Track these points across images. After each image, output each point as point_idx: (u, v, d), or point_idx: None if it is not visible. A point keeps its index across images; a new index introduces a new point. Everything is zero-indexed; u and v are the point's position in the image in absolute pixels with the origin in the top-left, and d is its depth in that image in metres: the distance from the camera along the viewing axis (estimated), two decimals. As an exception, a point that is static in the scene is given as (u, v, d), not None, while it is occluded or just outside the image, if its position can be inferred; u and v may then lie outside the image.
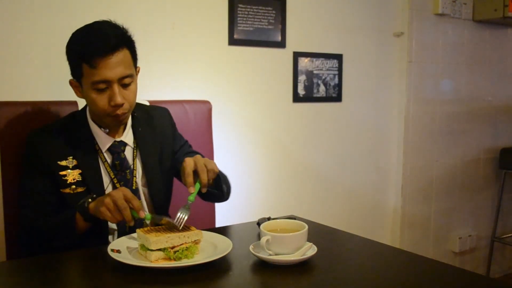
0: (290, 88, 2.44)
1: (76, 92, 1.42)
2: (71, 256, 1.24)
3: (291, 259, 1.12)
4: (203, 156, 1.48)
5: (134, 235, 1.23)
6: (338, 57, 2.58)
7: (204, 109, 1.95)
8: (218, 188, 1.43)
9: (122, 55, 1.33)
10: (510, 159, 3.16)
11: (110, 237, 1.42)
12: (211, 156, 1.92)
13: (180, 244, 1.15)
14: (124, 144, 1.47)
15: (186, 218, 1.20)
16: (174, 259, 1.13)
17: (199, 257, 1.15)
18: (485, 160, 3.25)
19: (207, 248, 1.20)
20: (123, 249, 1.19)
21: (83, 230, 1.31)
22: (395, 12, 2.79)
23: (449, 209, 3.10)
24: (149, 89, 1.96)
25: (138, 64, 1.44)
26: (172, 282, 1.05)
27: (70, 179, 1.38)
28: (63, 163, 1.39)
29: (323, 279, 1.08)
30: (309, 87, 2.49)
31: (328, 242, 1.35)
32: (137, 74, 1.44)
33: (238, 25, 2.23)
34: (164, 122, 1.61)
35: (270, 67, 2.37)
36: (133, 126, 1.51)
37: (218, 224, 1.95)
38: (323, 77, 2.54)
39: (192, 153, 1.58)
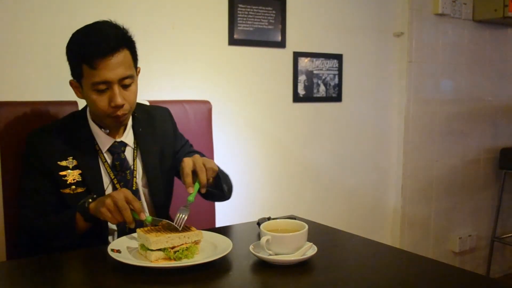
0: (290, 88, 2.44)
1: (76, 93, 1.42)
2: (71, 256, 1.24)
3: (291, 259, 1.12)
4: (204, 156, 1.48)
5: (134, 235, 1.23)
6: (338, 57, 2.58)
7: (204, 109, 1.95)
8: (219, 188, 1.43)
9: (123, 56, 1.33)
10: (510, 159, 3.16)
11: (110, 238, 1.42)
12: (211, 156, 1.92)
13: (180, 245, 1.15)
14: (124, 145, 1.47)
15: (185, 218, 1.20)
16: (174, 259, 1.13)
17: (199, 257, 1.15)
18: (485, 160, 3.25)
19: (207, 248, 1.20)
20: (123, 249, 1.19)
21: (83, 230, 1.31)
22: (395, 12, 2.79)
23: (449, 209, 3.10)
24: (149, 89, 1.96)
25: (138, 64, 1.44)
26: (172, 282, 1.05)
27: (70, 179, 1.38)
28: (63, 163, 1.38)
29: (323, 279, 1.08)
30: (309, 87, 2.49)
31: (328, 242, 1.34)
32: (137, 75, 1.43)
33: (238, 25, 2.23)
34: (165, 122, 1.60)
35: (270, 67, 2.37)
36: (133, 127, 1.50)
37: (218, 224, 1.95)
38: (323, 77, 2.54)
39: (193, 152, 1.58)
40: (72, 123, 1.45)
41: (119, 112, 1.36)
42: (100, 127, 1.44)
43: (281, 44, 2.38)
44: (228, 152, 2.26)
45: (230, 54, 2.24)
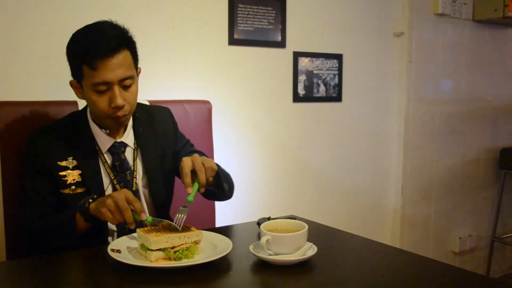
0: (290, 88, 2.44)
1: (76, 93, 1.42)
2: (71, 256, 1.24)
3: (291, 259, 1.12)
4: (204, 155, 1.48)
5: (134, 235, 1.23)
6: (338, 57, 2.58)
7: (204, 109, 1.95)
8: (219, 187, 1.42)
9: (123, 56, 1.33)
10: (510, 159, 3.16)
11: (109, 238, 1.42)
12: (211, 156, 1.92)
13: (180, 245, 1.15)
14: (125, 145, 1.46)
15: (184, 218, 1.20)
16: (174, 259, 1.13)
17: (199, 257, 1.15)
18: (485, 160, 3.25)
19: (207, 248, 1.20)
20: (123, 249, 1.19)
21: (83, 230, 1.31)
22: (395, 12, 2.79)
23: (449, 209, 3.10)
24: (149, 89, 1.96)
25: (139, 64, 1.44)
26: (172, 282, 1.05)
27: (70, 179, 1.38)
28: (63, 163, 1.38)
29: (323, 279, 1.08)
30: (309, 87, 2.49)
31: (328, 242, 1.34)
32: (138, 75, 1.43)
33: (238, 25, 2.23)
34: (165, 122, 1.60)
35: (270, 67, 2.37)
36: (134, 127, 1.50)
37: (218, 224, 1.95)
38: (323, 77, 2.54)
39: (194, 152, 1.57)
40: (72, 123, 1.45)
41: (119, 113, 1.35)
42: (100, 127, 1.44)
43: (281, 44, 2.38)
44: (228, 152, 2.26)
45: (230, 54, 2.24)
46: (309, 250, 1.15)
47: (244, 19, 2.24)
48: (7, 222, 1.56)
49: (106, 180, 1.42)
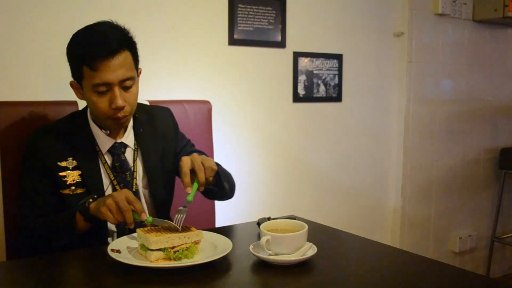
0: (290, 88, 2.44)
1: (76, 94, 1.41)
2: (71, 256, 1.24)
3: (291, 259, 1.12)
4: (204, 154, 1.47)
5: (134, 235, 1.23)
6: (338, 57, 2.58)
7: (204, 109, 1.95)
8: (219, 186, 1.42)
9: (123, 57, 1.32)
10: (510, 159, 3.16)
11: (109, 239, 1.42)
12: (211, 156, 1.92)
13: (180, 245, 1.15)
14: (125, 146, 1.46)
15: (183, 218, 1.20)
16: (174, 259, 1.13)
17: (199, 257, 1.15)
18: (485, 160, 3.25)
19: (207, 248, 1.20)
20: (123, 249, 1.19)
21: (83, 230, 1.30)
22: (395, 12, 2.79)
23: (449, 209, 3.10)
24: (149, 89, 1.96)
25: (139, 65, 1.43)
26: (172, 282, 1.05)
27: (69, 180, 1.38)
28: (63, 164, 1.38)
29: (323, 279, 1.08)
30: (309, 87, 2.49)
31: (328, 242, 1.34)
32: (138, 76, 1.43)
33: (238, 25, 2.23)
34: (166, 122, 1.60)
35: (270, 67, 2.37)
36: (134, 127, 1.50)
37: (218, 224, 1.95)
38: (323, 77, 2.54)
39: (195, 152, 1.57)
40: (72, 123, 1.45)
41: (120, 114, 1.35)
42: (101, 127, 1.43)
43: (281, 44, 2.38)
44: (228, 152, 2.26)
45: (230, 54, 2.24)
46: (309, 250, 1.15)
47: (244, 19, 2.24)
48: (7, 222, 1.56)
49: (106, 181, 1.42)
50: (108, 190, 1.41)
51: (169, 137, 1.58)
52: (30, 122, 1.56)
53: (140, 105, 1.50)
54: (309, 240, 1.17)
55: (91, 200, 1.28)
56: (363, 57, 2.69)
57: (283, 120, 2.44)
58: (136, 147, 1.49)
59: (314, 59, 2.49)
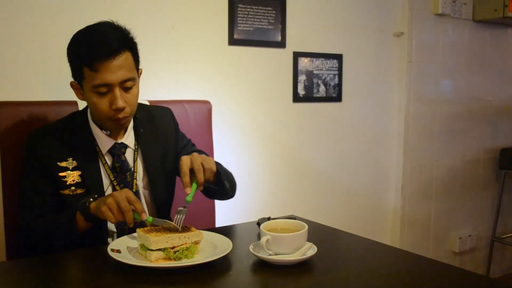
0: (290, 88, 2.44)
1: (77, 95, 1.41)
2: (71, 256, 1.24)
3: (291, 259, 1.12)
4: (204, 153, 1.47)
5: (134, 235, 1.23)
6: (338, 57, 2.58)
7: (204, 109, 1.95)
8: (219, 184, 1.42)
9: (124, 58, 1.32)
10: (510, 159, 3.16)
11: (109, 239, 1.42)
12: (211, 156, 1.92)
13: (180, 245, 1.15)
14: (125, 146, 1.46)
15: (183, 218, 1.20)
16: (174, 259, 1.13)
17: (199, 257, 1.15)
18: (485, 160, 3.25)
19: (207, 248, 1.20)
20: (123, 249, 1.19)
21: (83, 230, 1.30)
22: (395, 12, 2.79)
23: (449, 209, 3.10)
24: (149, 89, 1.96)
25: (139, 65, 1.43)
26: (172, 282, 1.05)
27: (69, 180, 1.38)
28: (63, 164, 1.38)
29: (323, 279, 1.08)
30: (309, 87, 2.49)
31: (328, 242, 1.34)
32: (139, 77, 1.42)
33: (238, 25, 2.23)
34: (166, 122, 1.59)
35: (270, 67, 2.37)
36: (134, 128, 1.49)
37: (218, 224, 1.95)
38: (323, 77, 2.54)
39: (195, 152, 1.57)
40: (72, 123, 1.45)
41: (120, 115, 1.35)
42: (101, 128, 1.43)
43: (281, 44, 2.38)
44: (228, 152, 2.26)
45: (230, 54, 2.24)
46: (309, 250, 1.15)
47: (244, 19, 2.24)
48: (7, 222, 1.56)
49: (106, 181, 1.42)
50: (108, 191, 1.41)
51: (169, 137, 1.57)
52: (30, 122, 1.56)
53: (140, 105, 1.49)
54: (309, 240, 1.17)
55: (91, 199, 1.28)
56: (363, 57, 2.69)
57: (283, 120, 2.44)
58: (136, 147, 1.48)
59: (314, 59, 2.49)
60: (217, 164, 1.44)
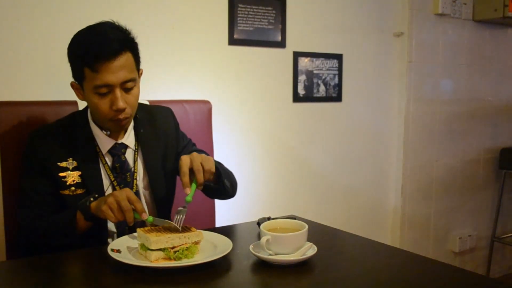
0: (290, 88, 2.44)
1: (77, 95, 1.41)
2: (71, 256, 1.24)
3: (291, 259, 1.12)
4: (205, 153, 1.47)
5: (135, 234, 1.23)
6: (338, 57, 2.58)
7: (204, 109, 1.95)
8: (220, 183, 1.41)
9: (125, 59, 1.32)
10: (510, 159, 3.16)
11: (109, 240, 1.42)
12: (211, 156, 1.91)
13: (180, 245, 1.15)
14: (125, 147, 1.46)
15: (183, 218, 1.20)
16: (174, 259, 1.13)
17: (199, 257, 1.15)
18: (485, 160, 3.25)
19: (207, 248, 1.20)
20: (123, 249, 1.19)
21: (83, 230, 1.30)
22: (395, 12, 2.79)
23: (449, 209, 3.10)
24: (149, 89, 1.96)
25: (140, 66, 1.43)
26: (172, 282, 1.05)
27: (69, 180, 1.38)
28: (63, 164, 1.38)
29: (323, 279, 1.08)
30: (309, 87, 2.49)
31: (328, 242, 1.35)
32: (139, 77, 1.42)
33: (238, 25, 2.23)
34: (167, 122, 1.59)
35: (270, 67, 2.37)
36: (135, 128, 1.49)
37: (218, 224, 1.95)
38: (323, 77, 2.54)
39: (196, 151, 1.56)
40: (72, 123, 1.44)
41: (121, 116, 1.35)
42: (101, 128, 1.43)
43: (281, 44, 2.38)
44: (228, 152, 2.26)
45: (230, 54, 2.24)
46: (309, 250, 1.15)
47: (244, 19, 2.24)
48: (7, 222, 1.56)
49: (106, 182, 1.42)
50: (108, 191, 1.41)
51: (170, 137, 1.57)
52: (30, 122, 1.56)
53: (140, 105, 1.49)
54: (309, 240, 1.17)
55: (92, 199, 1.28)
56: (363, 57, 2.69)
57: (283, 120, 2.44)
58: (136, 147, 1.48)
59: (314, 59, 2.49)
60: (218, 163, 1.44)
